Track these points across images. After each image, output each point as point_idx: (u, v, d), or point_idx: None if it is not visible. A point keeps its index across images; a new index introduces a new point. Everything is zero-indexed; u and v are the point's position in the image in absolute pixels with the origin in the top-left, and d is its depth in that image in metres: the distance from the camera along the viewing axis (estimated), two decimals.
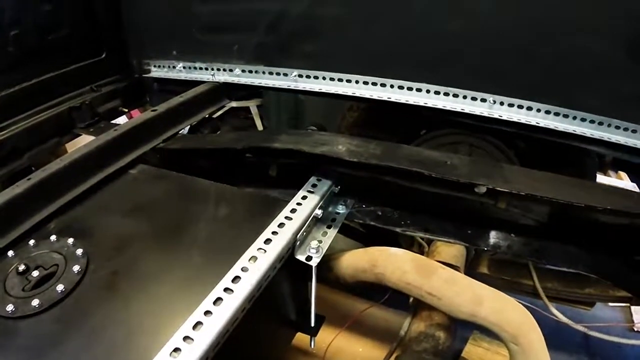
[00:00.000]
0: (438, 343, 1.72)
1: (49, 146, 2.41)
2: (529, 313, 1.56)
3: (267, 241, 1.55)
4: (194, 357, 1.21)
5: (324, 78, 2.42)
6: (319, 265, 1.63)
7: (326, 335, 2.56)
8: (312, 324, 1.86)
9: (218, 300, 1.35)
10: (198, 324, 1.28)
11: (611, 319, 3.39)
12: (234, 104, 4.62)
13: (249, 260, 1.48)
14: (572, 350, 3.29)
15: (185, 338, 1.25)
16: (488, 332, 2.52)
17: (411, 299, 2.05)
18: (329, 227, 1.76)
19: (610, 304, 3.66)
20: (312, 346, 1.93)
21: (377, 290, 2.83)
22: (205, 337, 1.26)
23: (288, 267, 1.61)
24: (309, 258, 1.62)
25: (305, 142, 1.88)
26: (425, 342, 1.72)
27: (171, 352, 1.21)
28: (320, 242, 1.67)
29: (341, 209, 1.86)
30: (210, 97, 2.59)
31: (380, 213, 1.91)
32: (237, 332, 1.34)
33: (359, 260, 1.75)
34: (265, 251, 1.51)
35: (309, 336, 1.92)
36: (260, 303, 1.43)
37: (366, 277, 1.72)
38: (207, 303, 1.34)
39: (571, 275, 2.54)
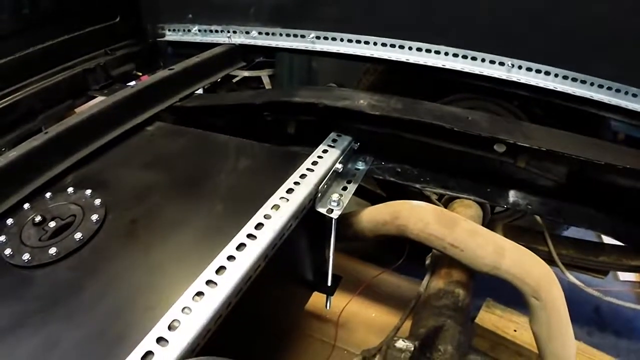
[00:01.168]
0: (457, 300, 1.70)
1: (63, 108, 2.39)
2: (550, 268, 1.54)
3: (289, 191, 1.54)
4: (217, 300, 1.20)
5: (341, 40, 2.39)
6: (337, 220, 1.62)
7: (339, 301, 2.55)
8: (329, 283, 1.83)
9: (241, 246, 1.33)
10: (221, 268, 1.27)
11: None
12: (245, 73, 4.63)
13: (272, 208, 1.46)
14: (584, 319, 3.29)
15: (209, 282, 1.24)
16: (501, 299, 2.53)
17: (427, 261, 2.03)
18: (348, 182, 1.74)
19: (621, 277, 3.65)
20: (328, 307, 1.92)
21: (390, 254, 2.83)
22: (229, 281, 1.25)
23: (308, 221, 1.59)
24: (329, 211, 1.60)
25: (326, 97, 1.87)
26: (445, 298, 1.70)
27: (194, 296, 1.20)
28: (341, 195, 1.63)
29: (361, 165, 1.85)
30: (227, 58, 2.57)
31: (399, 170, 1.90)
32: (258, 283, 1.33)
33: (380, 213, 1.72)
34: (287, 200, 1.50)
35: (323, 301, 1.90)
36: (281, 255, 1.42)
37: (387, 230, 1.70)
38: (230, 248, 1.33)
39: (585, 243, 2.51)
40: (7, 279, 1.38)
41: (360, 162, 1.86)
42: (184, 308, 1.17)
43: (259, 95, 2.00)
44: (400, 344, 1.37)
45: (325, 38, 2.42)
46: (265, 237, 1.37)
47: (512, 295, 1.60)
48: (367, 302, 2.73)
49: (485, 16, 2.09)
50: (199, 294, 1.21)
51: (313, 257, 1.86)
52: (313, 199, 1.58)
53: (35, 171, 1.73)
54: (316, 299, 1.99)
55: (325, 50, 2.43)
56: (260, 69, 4.32)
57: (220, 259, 1.29)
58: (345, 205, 1.64)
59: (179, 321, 1.14)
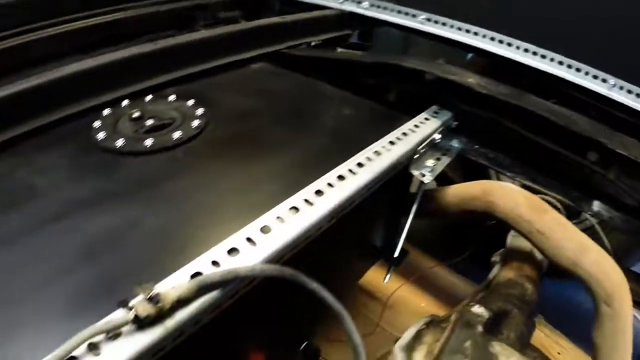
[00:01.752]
0: (525, 293, 1.67)
1: (164, 36, 2.39)
2: (625, 278, 1.49)
3: (391, 142, 1.50)
4: (311, 218, 1.20)
5: (451, 26, 2.38)
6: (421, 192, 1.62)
7: (391, 284, 2.52)
8: (396, 254, 1.80)
9: (340, 177, 1.34)
10: (319, 192, 1.27)
11: None
12: (338, 49, 4.62)
13: (373, 152, 1.44)
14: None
15: (306, 200, 1.24)
16: (551, 318, 2.47)
17: (494, 258, 2.00)
18: (443, 154, 1.70)
19: None
20: (387, 280, 1.89)
21: (450, 251, 2.79)
22: (325, 204, 1.24)
23: (397, 182, 1.59)
24: (421, 175, 1.57)
25: (436, 68, 1.85)
26: (514, 288, 1.67)
27: (289, 209, 1.20)
28: (434, 163, 1.60)
29: (455, 143, 1.81)
30: (335, 22, 2.57)
31: (492, 156, 1.85)
32: (345, 221, 1.32)
33: (470, 188, 1.70)
34: (388, 150, 1.47)
35: (374, 277, 1.87)
36: (367, 205, 1.40)
37: (475, 206, 1.66)
38: (330, 177, 1.33)
39: None
40: (96, 159, 1.42)
41: (455, 140, 1.83)
42: (277, 217, 1.16)
43: (369, 55, 1.98)
44: (477, 309, 1.34)
45: (436, 22, 2.40)
46: (365, 176, 1.36)
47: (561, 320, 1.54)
48: (419, 291, 2.71)
49: (604, 36, 2.03)
50: (294, 208, 1.19)
51: (389, 223, 1.83)
52: (410, 158, 1.55)
53: (139, 75, 1.76)
54: (369, 275, 2.00)
55: (432, 32, 2.41)
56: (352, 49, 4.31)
57: (319, 184, 1.28)
58: (438, 173, 1.60)
59: (270, 227, 1.13)
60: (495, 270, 1.87)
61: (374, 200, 1.45)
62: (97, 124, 1.54)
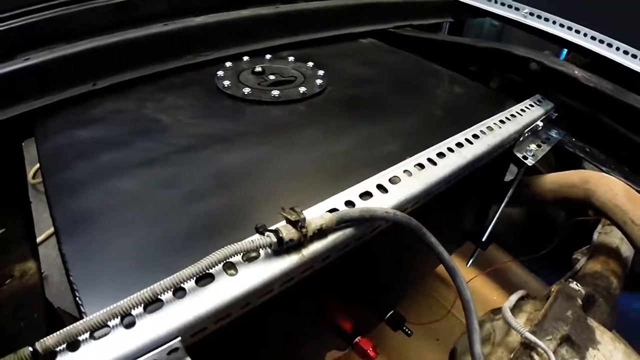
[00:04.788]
0: (610, 286, 1.68)
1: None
2: None
3: (501, 121, 1.53)
4: (437, 175, 1.25)
5: (553, 22, 2.38)
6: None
7: (465, 273, 2.53)
8: (485, 238, 1.83)
9: (459, 144, 1.38)
10: (441, 154, 1.32)
11: None
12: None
13: (486, 127, 1.47)
14: None
15: (429, 160, 1.29)
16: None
17: (575, 255, 2.01)
18: (543, 142, 1.72)
19: None
20: (470, 264, 1.93)
21: (527, 249, 2.79)
22: (449, 164, 1.30)
23: (499, 162, 1.62)
24: (524, 157, 1.59)
25: (544, 58, 1.85)
26: (600, 280, 1.68)
27: (415, 165, 1.25)
28: (537, 148, 1.63)
29: (554, 134, 1.83)
30: (440, 8, 2.62)
31: (588, 150, 1.87)
32: (454, 190, 1.36)
33: (569, 176, 1.72)
34: (500, 127, 1.51)
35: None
36: (471, 179, 1.43)
37: (573, 193, 1.69)
38: (450, 142, 1.38)
39: None
40: (222, 103, 1.52)
41: (554, 131, 1.84)
42: (405, 170, 1.21)
43: (479, 41, 2.02)
44: (575, 285, 1.37)
45: (539, 17, 2.41)
46: (479, 146, 1.41)
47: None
48: (492, 284, 2.71)
49: None
50: (420, 165, 1.24)
51: (480, 208, 1.87)
52: (516, 140, 1.58)
53: (259, 35, 1.85)
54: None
55: (534, 26, 2.43)
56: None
57: (440, 147, 1.33)
58: (538, 158, 1.63)
59: (399, 178, 1.18)
60: (581, 262, 1.88)
61: (473, 181, 1.49)
62: (220, 73, 1.62)
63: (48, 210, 1.10)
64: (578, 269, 1.85)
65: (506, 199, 1.73)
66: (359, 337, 1.52)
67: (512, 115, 1.61)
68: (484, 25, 4.33)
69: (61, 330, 0.72)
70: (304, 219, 0.92)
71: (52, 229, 1.14)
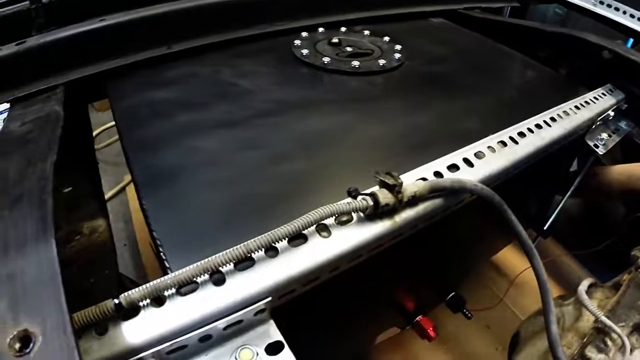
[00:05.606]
0: None
1: None
2: None
3: (577, 107, 1.52)
4: (520, 153, 1.25)
5: (624, 12, 2.33)
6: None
7: (519, 263, 2.53)
8: (546, 227, 1.81)
9: (537, 126, 1.37)
10: (521, 134, 1.31)
11: None
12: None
13: (562, 112, 1.45)
14: None
15: (511, 138, 1.29)
16: None
17: (634, 251, 1.97)
18: (613, 132, 1.70)
19: None
20: None
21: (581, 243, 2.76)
22: (529, 144, 1.29)
23: (569, 150, 1.58)
24: (596, 146, 1.57)
25: (617, 46, 1.82)
26: None
27: (498, 142, 1.25)
28: (608, 137, 1.61)
29: (624, 125, 1.80)
30: None
31: None
32: (525, 174, 1.34)
33: (638, 169, 1.69)
34: (575, 113, 1.49)
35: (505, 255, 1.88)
36: (543, 164, 1.41)
37: None
38: (530, 123, 1.37)
39: None
40: (302, 71, 1.54)
41: (624, 122, 1.82)
42: (489, 146, 1.21)
43: (548, 26, 1.99)
44: None
45: (609, 5, 2.37)
46: (557, 130, 1.40)
47: None
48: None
49: None
50: (502, 142, 1.24)
51: (545, 195, 1.85)
52: (588, 127, 1.56)
53: (332, 7, 1.88)
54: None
55: (602, 14, 2.38)
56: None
57: (520, 127, 1.33)
58: (609, 148, 1.61)
59: (483, 153, 1.18)
60: None
61: (542, 167, 1.49)
62: (297, 42, 1.63)
63: (104, 177, 1.11)
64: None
65: (572, 188, 1.71)
66: (420, 316, 1.53)
67: (586, 102, 1.59)
68: (547, 11, 4.27)
69: (147, 284, 0.72)
70: (401, 184, 0.92)
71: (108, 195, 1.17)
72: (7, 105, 1.31)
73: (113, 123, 3.19)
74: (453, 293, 1.64)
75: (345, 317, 1.26)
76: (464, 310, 1.63)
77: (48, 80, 1.37)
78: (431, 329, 1.53)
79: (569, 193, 1.70)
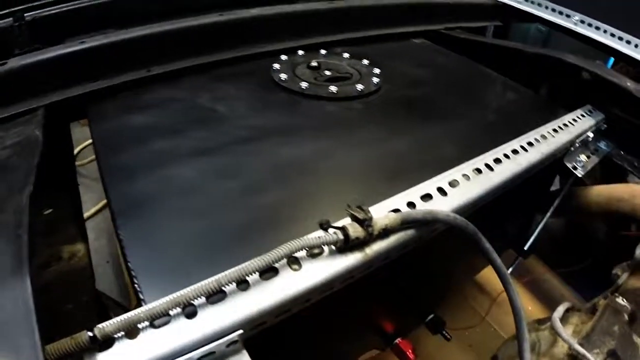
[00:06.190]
0: None
1: None
2: None
3: (555, 130, 1.53)
4: (494, 181, 1.25)
5: (604, 31, 2.34)
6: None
7: (500, 283, 2.52)
8: (527, 247, 1.82)
9: (514, 151, 1.38)
10: (497, 160, 1.31)
11: None
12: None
13: (540, 136, 1.47)
14: None
15: (487, 165, 1.28)
16: None
17: (616, 269, 1.98)
18: (592, 153, 1.70)
19: None
20: (510, 270, 1.90)
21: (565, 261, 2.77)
22: (504, 171, 1.29)
23: (546, 173, 1.59)
24: (574, 168, 1.57)
25: (596, 67, 1.84)
26: None
27: (474, 169, 1.25)
28: (587, 159, 1.62)
29: (603, 145, 1.81)
30: (489, 11, 2.61)
31: (636, 164, 1.85)
32: (499, 201, 1.33)
33: (616, 190, 1.72)
34: (553, 136, 1.52)
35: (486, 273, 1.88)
36: (517, 190, 1.40)
37: (620, 207, 1.69)
38: (506, 148, 1.37)
39: None
40: (279, 97, 1.54)
41: (603, 142, 1.83)
42: (464, 174, 1.21)
43: (529, 47, 2.01)
44: (621, 300, 1.36)
45: (590, 25, 2.38)
46: (534, 154, 1.40)
47: None
48: (528, 294, 2.69)
49: None
50: (477, 170, 1.25)
51: (523, 217, 1.87)
52: (567, 150, 1.57)
53: (313, 29, 1.88)
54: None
55: (583, 34, 2.39)
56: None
57: (496, 153, 1.33)
58: (588, 170, 1.62)
59: (457, 182, 1.19)
60: (622, 278, 1.87)
61: (520, 189, 1.47)
62: (276, 66, 1.63)
63: (88, 193, 1.11)
64: (619, 284, 1.83)
65: (552, 209, 1.72)
66: (399, 338, 1.53)
67: (565, 125, 1.60)
68: (529, 30, 4.30)
69: (121, 317, 0.72)
70: (371, 218, 0.93)
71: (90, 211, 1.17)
72: None
73: None
74: (432, 315, 1.63)
75: (321, 343, 1.26)
76: (443, 332, 1.63)
77: (29, 102, 1.37)
78: (410, 351, 1.53)
79: (549, 213, 1.69)
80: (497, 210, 1.51)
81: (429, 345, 2.15)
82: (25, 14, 1.69)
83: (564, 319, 1.38)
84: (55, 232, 1.35)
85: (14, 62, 1.38)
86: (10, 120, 1.31)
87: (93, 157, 3.23)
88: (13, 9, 1.74)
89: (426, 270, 1.46)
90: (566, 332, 1.31)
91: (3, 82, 1.34)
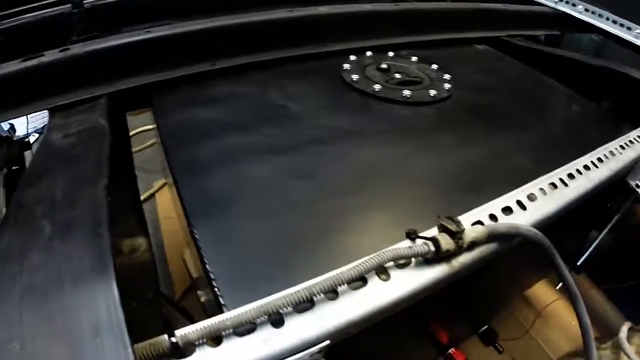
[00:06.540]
0: None
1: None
2: None
3: (622, 147, 1.51)
4: (571, 195, 1.24)
5: None
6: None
7: (548, 295, 2.52)
8: (579, 262, 1.81)
9: (586, 167, 1.35)
10: (570, 175, 1.29)
11: None
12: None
13: (608, 152, 1.45)
14: None
15: (562, 180, 1.27)
16: None
17: None
18: None
19: None
20: (559, 286, 1.90)
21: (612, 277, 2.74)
22: (579, 187, 1.28)
23: (608, 190, 1.56)
24: (637, 185, 1.55)
25: None
26: None
27: (549, 184, 1.23)
28: None
29: None
30: (549, 20, 2.59)
31: None
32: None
33: None
34: (620, 153, 1.49)
35: None
36: (584, 204, 1.36)
37: None
38: (579, 163, 1.34)
39: None
40: (351, 98, 1.55)
41: None
42: (540, 188, 1.20)
43: (593, 59, 1.99)
44: None
45: None
46: (604, 171, 1.38)
47: None
48: (572, 308, 2.67)
49: None
50: (552, 184, 1.24)
51: (581, 231, 1.87)
52: (631, 167, 1.55)
53: (380, 31, 1.89)
54: None
55: None
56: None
57: (569, 168, 1.31)
58: None
59: (535, 196, 1.18)
60: None
61: (590, 201, 1.45)
62: (346, 66, 1.63)
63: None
64: None
65: (609, 226, 1.70)
66: (452, 349, 1.53)
67: (630, 142, 1.58)
68: (582, 38, 4.25)
69: (204, 323, 0.71)
70: (463, 231, 0.92)
71: None
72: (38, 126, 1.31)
73: (143, 128, 3.24)
74: (486, 326, 1.63)
75: (383, 354, 1.26)
76: (496, 344, 1.63)
77: (92, 90, 1.38)
78: None
79: (605, 230, 1.68)
80: (559, 226, 1.50)
81: (472, 355, 2.15)
82: (84, 1, 1.70)
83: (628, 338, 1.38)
84: (115, 224, 1.36)
85: (77, 49, 1.39)
86: (71, 108, 1.33)
87: (139, 147, 3.29)
88: None
89: (489, 282, 1.46)
90: (630, 350, 1.31)
91: (65, 68, 1.35)
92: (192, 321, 0.74)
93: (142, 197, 3.13)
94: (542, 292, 2.49)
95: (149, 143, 3.57)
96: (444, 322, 1.51)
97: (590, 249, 1.79)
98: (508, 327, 2.41)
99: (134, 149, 3.22)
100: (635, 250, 2.30)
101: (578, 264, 1.82)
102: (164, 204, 3.29)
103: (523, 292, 2.29)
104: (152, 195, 3.31)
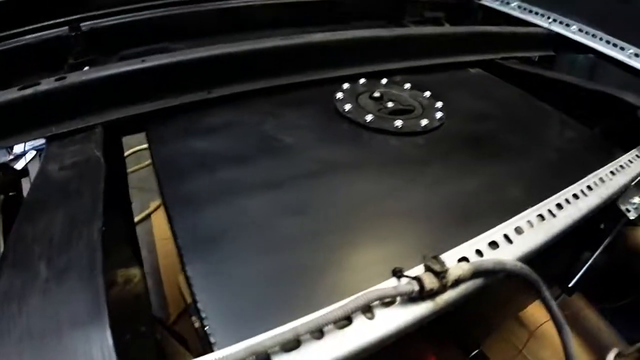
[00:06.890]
0: None
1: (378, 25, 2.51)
2: None
3: (612, 172, 1.54)
4: (557, 227, 1.26)
5: None
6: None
7: (540, 315, 2.53)
8: (571, 284, 1.82)
9: (574, 196, 1.37)
10: (559, 205, 1.32)
11: None
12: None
13: (598, 179, 1.48)
14: None
15: (549, 211, 1.29)
16: None
17: None
18: None
19: None
20: None
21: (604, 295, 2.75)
22: (567, 216, 1.30)
23: (599, 213, 1.58)
24: (627, 210, 1.58)
25: None
26: None
27: (537, 215, 1.25)
28: None
29: None
30: (542, 41, 2.61)
31: None
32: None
33: None
34: (610, 179, 1.52)
35: None
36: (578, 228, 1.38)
37: None
38: (567, 193, 1.36)
39: None
40: (344, 129, 1.57)
41: None
42: (528, 221, 1.22)
43: (587, 82, 2.00)
44: None
45: None
46: (593, 199, 1.40)
47: None
48: None
49: None
50: (540, 216, 1.25)
51: (572, 253, 1.88)
52: (622, 192, 1.57)
53: (374, 56, 1.91)
54: None
55: (638, 68, 2.35)
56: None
57: (558, 198, 1.34)
58: None
59: (522, 229, 1.20)
60: None
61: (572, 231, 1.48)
62: (339, 95, 1.66)
63: None
64: None
65: (601, 248, 1.72)
66: None
67: (621, 167, 1.60)
68: (577, 58, 4.26)
69: None
70: (447, 270, 0.95)
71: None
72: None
73: (139, 147, 3.25)
74: (477, 350, 1.65)
75: None
76: None
77: (87, 119, 1.41)
78: None
79: (597, 252, 1.70)
80: (549, 251, 1.52)
81: None
82: (82, 24, 1.72)
83: None
84: (109, 254, 1.36)
85: (74, 77, 1.41)
86: (67, 137, 1.35)
87: (135, 167, 3.30)
88: (69, 18, 1.79)
89: (478, 310, 1.48)
90: None
91: (62, 97, 1.38)
92: (186, 346, 0.76)
93: (138, 218, 3.13)
94: (535, 312, 2.51)
95: (145, 163, 3.57)
96: (432, 349, 1.52)
97: (582, 270, 1.80)
98: (501, 348, 2.43)
99: (130, 169, 3.25)
100: (628, 270, 2.32)
101: (570, 285, 1.83)
102: (160, 226, 3.31)
103: (514, 315, 2.30)
104: (148, 216, 3.31)
